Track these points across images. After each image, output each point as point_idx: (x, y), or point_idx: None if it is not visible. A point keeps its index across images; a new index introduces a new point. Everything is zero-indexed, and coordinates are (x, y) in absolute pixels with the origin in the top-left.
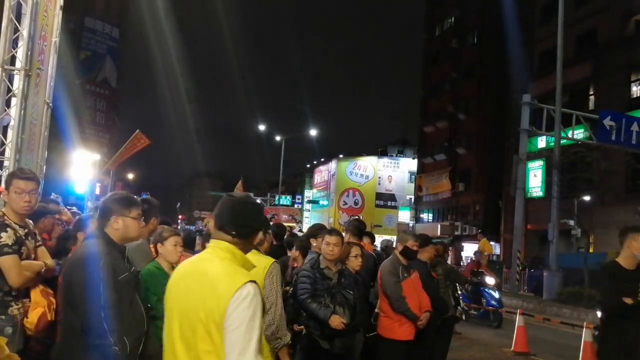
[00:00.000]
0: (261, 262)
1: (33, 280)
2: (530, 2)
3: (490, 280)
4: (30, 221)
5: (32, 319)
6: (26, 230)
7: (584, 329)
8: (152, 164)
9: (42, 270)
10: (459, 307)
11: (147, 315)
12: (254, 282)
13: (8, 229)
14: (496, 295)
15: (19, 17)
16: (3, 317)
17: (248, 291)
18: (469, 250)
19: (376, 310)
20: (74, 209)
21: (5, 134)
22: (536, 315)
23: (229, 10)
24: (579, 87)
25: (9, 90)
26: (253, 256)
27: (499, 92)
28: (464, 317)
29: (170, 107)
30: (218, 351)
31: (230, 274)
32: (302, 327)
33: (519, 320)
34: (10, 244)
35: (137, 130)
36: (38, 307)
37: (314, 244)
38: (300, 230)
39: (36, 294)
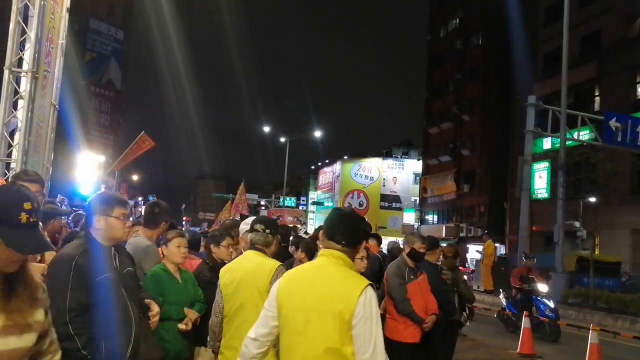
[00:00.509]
0: (267, 264)
1: None
2: (535, 3)
3: (542, 287)
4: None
5: None
6: None
7: (590, 331)
8: (156, 166)
9: (44, 272)
10: (464, 313)
11: (144, 317)
12: (372, 284)
13: None
14: (551, 304)
15: (26, 19)
16: None
17: (371, 293)
18: (472, 251)
19: (381, 311)
20: (80, 210)
21: (12, 136)
22: (542, 317)
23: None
24: (584, 88)
25: (16, 92)
26: (259, 258)
27: (503, 93)
28: (467, 323)
29: (175, 109)
30: (343, 345)
31: (352, 278)
32: None
33: (524, 322)
34: None
35: (142, 132)
36: None
37: (321, 246)
38: (306, 233)
39: None
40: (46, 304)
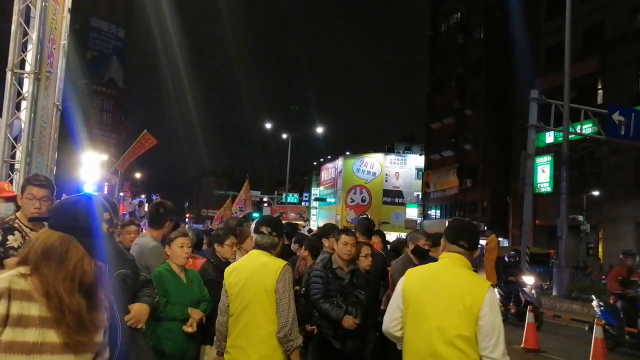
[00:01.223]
0: (273, 264)
1: None
2: None
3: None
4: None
5: None
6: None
7: (595, 325)
8: (158, 163)
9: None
10: None
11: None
12: (493, 284)
13: (15, 232)
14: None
15: (27, 20)
16: None
17: (493, 291)
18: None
19: (382, 307)
20: None
21: (16, 137)
22: (546, 311)
23: (234, 9)
24: (587, 81)
25: (19, 93)
26: (265, 258)
27: (506, 88)
28: None
29: (176, 106)
30: (470, 333)
31: (477, 277)
32: (314, 327)
33: (529, 317)
34: (16, 246)
35: (145, 130)
36: None
37: (326, 244)
38: (310, 231)
39: None
40: (105, 323)
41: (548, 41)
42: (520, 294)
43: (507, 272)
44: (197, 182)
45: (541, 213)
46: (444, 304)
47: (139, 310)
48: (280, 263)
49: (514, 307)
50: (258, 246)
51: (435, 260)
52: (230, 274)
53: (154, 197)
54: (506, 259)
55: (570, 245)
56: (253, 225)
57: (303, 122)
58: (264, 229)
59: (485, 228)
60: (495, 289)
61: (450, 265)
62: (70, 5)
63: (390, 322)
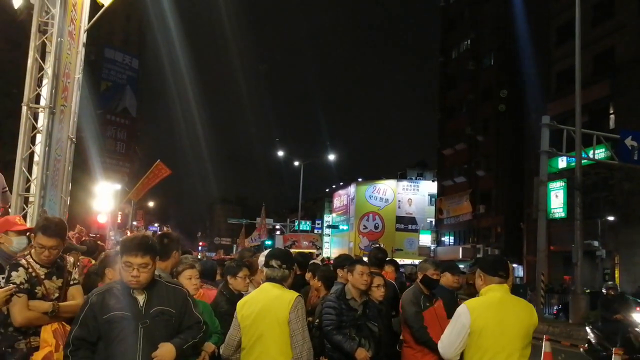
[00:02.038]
0: (285, 296)
1: (40, 320)
2: (546, 22)
3: None
4: (71, 258)
5: (37, 358)
6: (49, 270)
7: (613, 355)
8: (170, 192)
9: (50, 310)
10: None
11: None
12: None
13: (20, 268)
14: None
15: (43, 55)
16: (9, 350)
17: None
18: None
19: (401, 337)
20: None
21: (30, 170)
22: (562, 340)
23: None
24: (598, 106)
25: (34, 127)
26: (277, 291)
27: (517, 114)
28: None
29: (187, 135)
30: (527, 350)
31: (527, 303)
32: (327, 359)
33: (545, 346)
34: (17, 283)
35: (158, 160)
36: (46, 347)
37: (340, 274)
38: (323, 260)
39: (47, 333)
40: None
41: (558, 66)
42: (630, 335)
43: (608, 308)
44: (209, 211)
45: (556, 239)
46: (511, 330)
47: (165, 350)
48: (293, 295)
49: (620, 351)
50: (269, 279)
51: (446, 289)
52: (243, 307)
53: (153, 229)
54: (604, 291)
55: (586, 271)
56: (262, 259)
57: (315, 150)
58: (273, 263)
59: (501, 254)
60: (587, 328)
61: (503, 295)
62: (84, 40)
63: (454, 350)
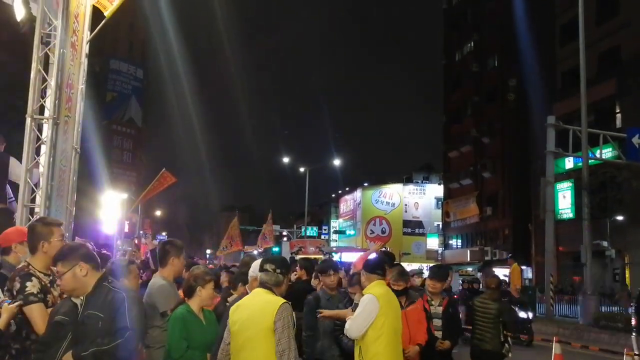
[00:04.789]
0: (273, 302)
1: None
2: (550, 22)
3: None
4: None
5: None
6: (50, 278)
7: (625, 356)
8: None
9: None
10: (506, 345)
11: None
12: None
13: (33, 278)
14: None
15: (46, 67)
16: None
17: None
18: (499, 275)
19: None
20: (104, 250)
21: (36, 183)
22: (573, 342)
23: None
24: (604, 105)
25: (39, 138)
26: (267, 296)
27: (522, 114)
28: (510, 355)
29: (193, 142)
30: None
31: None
32: None
33: (555, 348)
34: (35, 292)
35: (164, 169)
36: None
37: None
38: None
39: None
40: None
41: (563, 66)
42: None
43: None
44: (215, 218)
45: (564, 239)
46: None
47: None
48: (279, 301)
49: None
50: (262, 284)
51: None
52: (235, 312)
53: (158, 238)
54: None
55: (596, 271)
56: (256, 264)
57: (320, 155)
58: (268, 267)
59: (509, 256)
60: (633, 335)
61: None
62: (87, 51)
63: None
